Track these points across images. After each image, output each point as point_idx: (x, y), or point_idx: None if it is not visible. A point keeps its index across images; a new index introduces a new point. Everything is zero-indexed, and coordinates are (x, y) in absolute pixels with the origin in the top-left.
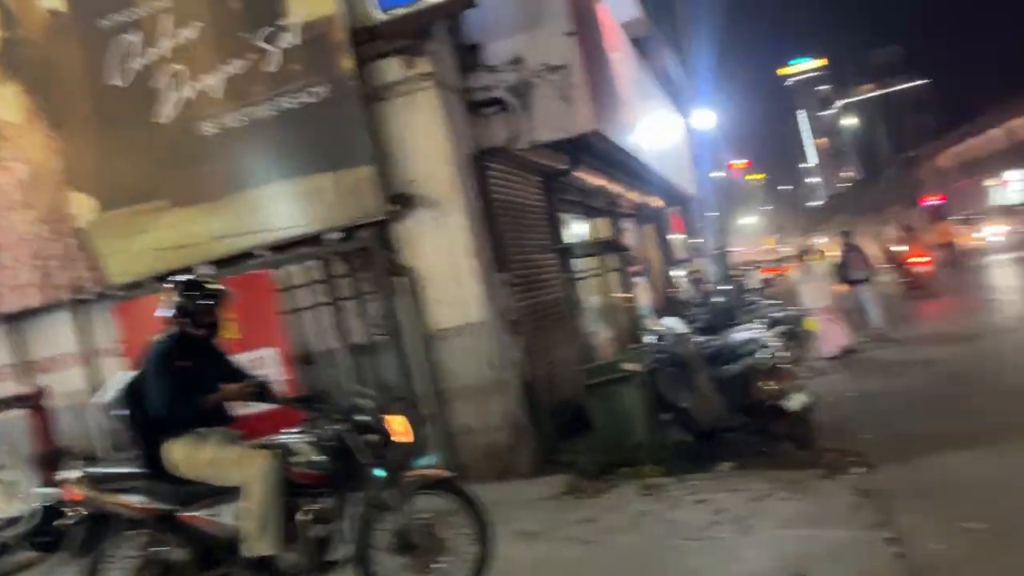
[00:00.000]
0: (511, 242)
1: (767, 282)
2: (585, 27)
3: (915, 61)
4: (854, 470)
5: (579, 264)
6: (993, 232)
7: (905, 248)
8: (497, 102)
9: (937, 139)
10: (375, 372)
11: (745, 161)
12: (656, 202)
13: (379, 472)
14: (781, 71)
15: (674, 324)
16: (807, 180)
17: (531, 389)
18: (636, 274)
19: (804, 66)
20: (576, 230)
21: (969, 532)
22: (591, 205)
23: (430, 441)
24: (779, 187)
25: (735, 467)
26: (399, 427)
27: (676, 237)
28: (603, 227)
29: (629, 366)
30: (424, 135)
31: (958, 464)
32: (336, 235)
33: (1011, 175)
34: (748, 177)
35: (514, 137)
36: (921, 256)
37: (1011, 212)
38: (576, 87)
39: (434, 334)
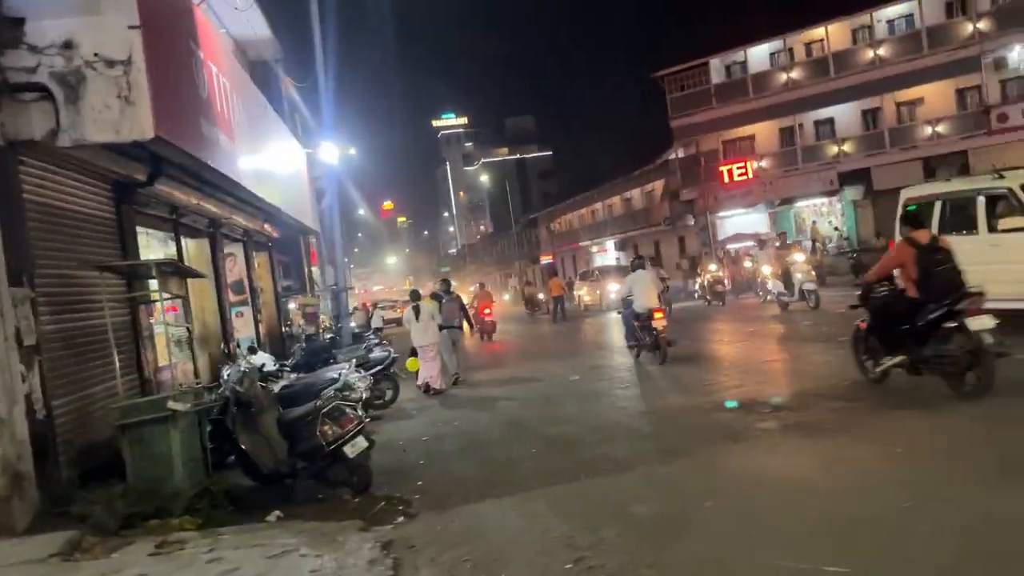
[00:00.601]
0: (43, 253)
1: (387, 321)
2: (161, 24)
3: (544, 132)
4: (397, 520)
5: (156, 286)
6: (611, 289)
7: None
8: (39, 88)
9: (555, 204)
10: None
11: (392, 204)
12: (270, 230)
13: None
14: (435, 123)
15: (264, 359)
16: (449, 228)
17: (47, 428)
18: (240, 303)
19: (452, 121)
20: (162, 249)
21: None
22: (183, 223)
23: None
24: (424, 232)
25: (282, 517)
26: None
27: (313, 270)
28: (198, 249)
29: (174, 405)
30: None
31: (488, 513)
32: None
33: (610, 243)
34: (398, 220)
35: (56, 132)
36: (488, 308)
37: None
38: (136, 87)
39: None
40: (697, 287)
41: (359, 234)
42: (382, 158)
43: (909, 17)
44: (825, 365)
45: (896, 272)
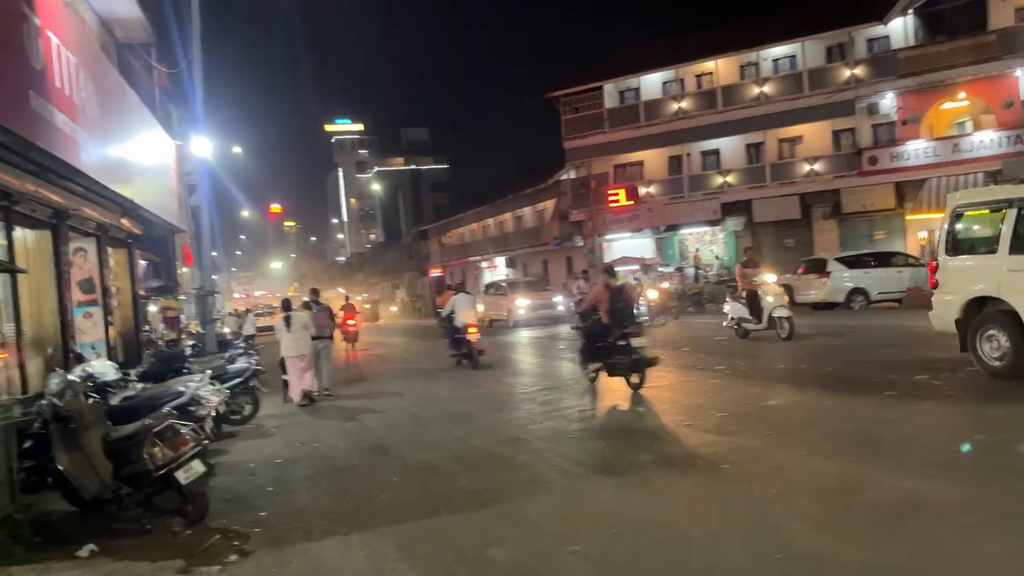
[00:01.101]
0: None
1: (261, 329)
2: None
3: (440, 145)
4: (228, 558)
5: None
6: (520, 304)
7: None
8: None
9: (448, 217)
10: None
11: (280, 207)
12: (129, 226)
13: None
14: (328, 127)
15: (104, 368)
16: (338, 236)
17: None
18: (89, 303)
19: (346, 127)
20: None
21: None
22: (17, 211)
23: None
24: (311, 238)
25: (97, 552)
26: None
27: (185, 270)
28: (37, 241)
29: None
30: None
31: (331, 554)
32: None
33: (500, 260)
34: (285, 224)
35: None
36: (352, 319)
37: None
38: None
39: None
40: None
41: (241, 236)
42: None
43: (792, 58)
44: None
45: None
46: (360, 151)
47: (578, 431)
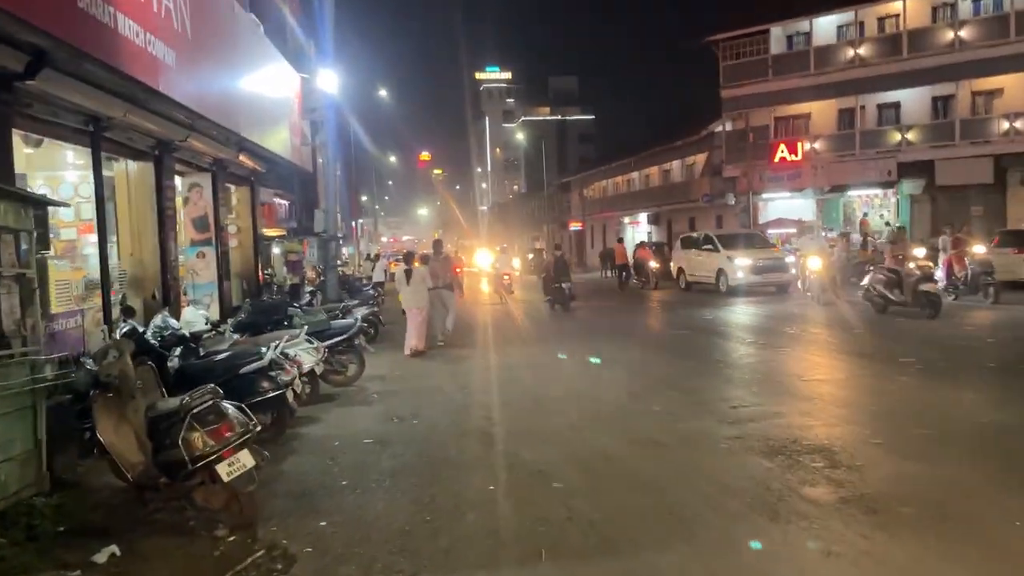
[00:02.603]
0: None
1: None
2: None
3: (587, 95)
4: None
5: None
6: (739, 265)
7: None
8: None
9: (589, 171)
10: None
11: (428, 155)
12: (248, 162)
13: None
14: (478, 75)
15: (194, 317)
16: (482, 185)
17: None
18: (204, 243)
19: (495, 75)
20: (65, 165)
21: None
22: (109, 138)
23: None
24: (456, 186)
25: (117, 556)
26: None
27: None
28: (139, 174)
29: None
30: None
31: None
32: None
33: (643, 216)
34: (433, 172)
35: None
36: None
37: None
38: None
39: None
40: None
41: (389, 182)
42: (422, 108)
43: None
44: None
45: None
46: (507, 100)
47: (732, 439)
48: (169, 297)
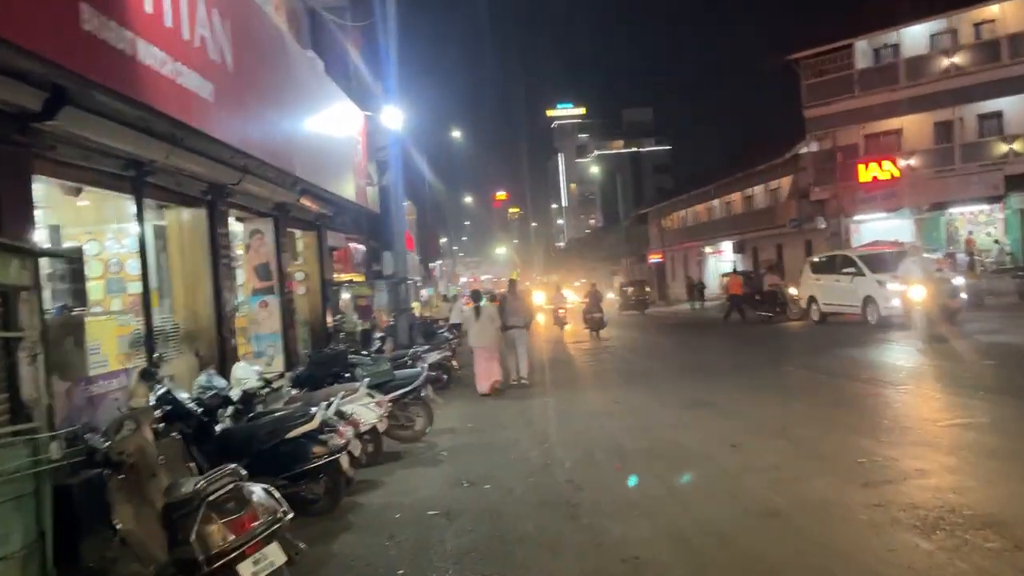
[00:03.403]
0: None
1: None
2: None
3: (662, 126)
4: None
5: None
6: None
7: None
8: None
9: (667, 201)
10: None
11: (505, 194)
12: (313, 206)
13: None
14: (550, 112)
15: (244, 374)
16: (558, 221)
17: None
18: (265, 291)
19: (568, 111)
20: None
21: None
22: (152, 183)
23: None
24: (532, 224)
25: None
26: None
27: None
28: (192, 222)
29: None
30: None
31: None
32: None
33: (726, 244)
34: (510, 210)
35: None
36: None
37: None
38: None
39: None
40: None
41: (466, 222)
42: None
43: None
44: None
45: None
46: (580, 135)
47: (871, 507)
48: (225, 351)
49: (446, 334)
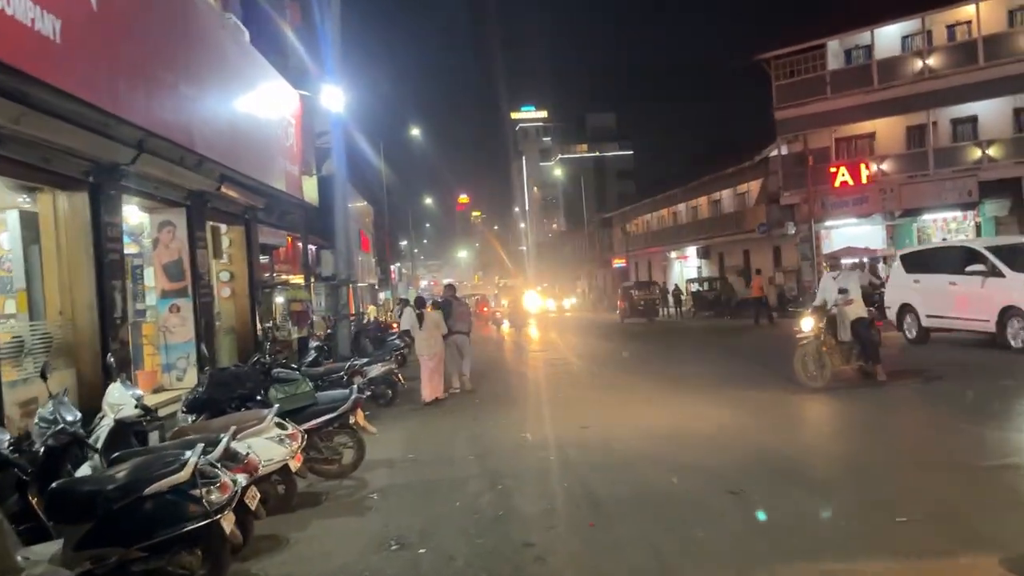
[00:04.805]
0: None
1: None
2: None
3: (626, 130)
4: None
5: None
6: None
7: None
8: None
9: (631, 205)
10: None
11: (467, 198)
12: (239, 197)
13: None
14: (514, 115)
15: (118, 399)
16: (520, 225)
17: None
18: (177, 293)
19: (531, 114)
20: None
21: None
22: (47, 169)
23: None
24: (494, 227)
25: None
26: None
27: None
28: (71, 207)
29: None
30: None
31: None
32: None
33: (691, 250)
34: (473, 214)
35: None
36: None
37: None
38: None
39: None
40: None
41: (427, 224)
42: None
43: None
44: None
45: None
46: (544, 139)
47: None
48: (107, 368)
49: (397, 341)
